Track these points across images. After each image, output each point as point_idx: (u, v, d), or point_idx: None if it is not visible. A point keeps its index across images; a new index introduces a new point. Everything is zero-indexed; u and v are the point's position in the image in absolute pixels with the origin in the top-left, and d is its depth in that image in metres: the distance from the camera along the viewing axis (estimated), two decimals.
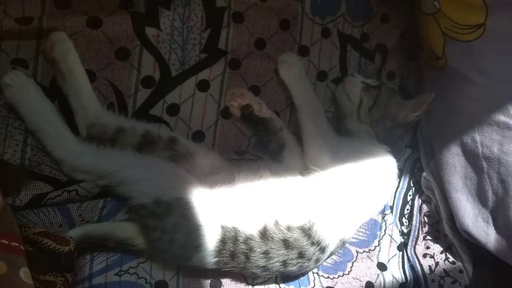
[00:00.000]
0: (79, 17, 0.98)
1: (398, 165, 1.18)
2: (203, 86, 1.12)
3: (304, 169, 1.12)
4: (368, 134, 1.18)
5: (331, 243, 1.04)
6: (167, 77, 1.08)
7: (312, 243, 1.01)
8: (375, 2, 1.30)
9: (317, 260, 1.04)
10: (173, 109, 1.11)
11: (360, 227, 1.21)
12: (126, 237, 0.97)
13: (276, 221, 0.99)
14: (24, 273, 0.72)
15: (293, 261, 1.00)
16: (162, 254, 0.97)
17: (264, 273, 1.01)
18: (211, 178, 1.03)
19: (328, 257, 1.08)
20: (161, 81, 1.08)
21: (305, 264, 1.02)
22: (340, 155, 1.10)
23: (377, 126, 1.18)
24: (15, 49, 0.96)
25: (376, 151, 1.14)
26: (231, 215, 0.98)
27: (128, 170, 0.96)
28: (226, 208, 0.99)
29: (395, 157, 1.17)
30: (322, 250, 1.03)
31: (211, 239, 0.95)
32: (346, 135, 1.19)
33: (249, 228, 0.98)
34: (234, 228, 0.97)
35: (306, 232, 1.00)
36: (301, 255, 1.00)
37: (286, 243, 0.99)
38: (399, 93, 1.25)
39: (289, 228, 1.00)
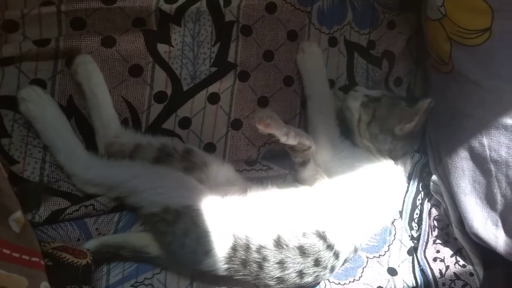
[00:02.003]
0: (94, 37, 1.01)
1: (406, 173, 1.18)
2: (213, 98, 1.14)
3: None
4: (368, 151, 1.15)
5: (344, 249, 1.05)
6: (179, 91, 1.10)
7: (328, 246, 1.02)
8: (381, 10, 1.30)
9: (333, 268, 1.05)
10: (185, 123, 1.13)
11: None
12: (140, 245, 1.00)
13: (290, 229, 1.01)
14: (45, 287, 0.75)
15: (309, 271, 1.01)
16: (174, 257, 0.99)
17: (279, 286, 1.02)
18: (224, 188, 1.05)
19: (343, 264, 1.08)
20: (173, 96, 1.10)
21: (322, 273, 1.03)
22: (340, 155, 1.12)
23: (377, 141, 1.14)
24: (34, 70, 0.99)
25: (377, 165, 1.14)
26: (243, 224, 1.00)
27: (137, 181, 0.98)
28: (238, 217, 1.01)
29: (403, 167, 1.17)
30: (337, 255, 1.04)
31: (221, 246, 0.97)
32: None
33: (262, 237, 0.99)
34: (246, 236, 0.99)
35: (321, 235, 1.02)
36: (317, 262, 1.01)
37: (302, 250, 1.00)
38: (406, 100, 1.19)
39: (304, 234, 1.01)
